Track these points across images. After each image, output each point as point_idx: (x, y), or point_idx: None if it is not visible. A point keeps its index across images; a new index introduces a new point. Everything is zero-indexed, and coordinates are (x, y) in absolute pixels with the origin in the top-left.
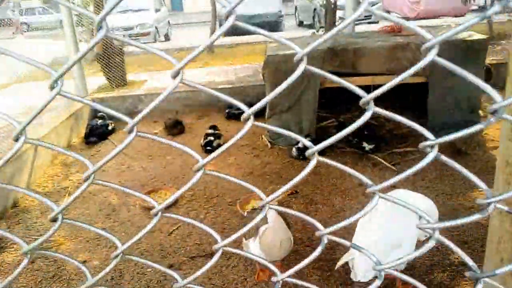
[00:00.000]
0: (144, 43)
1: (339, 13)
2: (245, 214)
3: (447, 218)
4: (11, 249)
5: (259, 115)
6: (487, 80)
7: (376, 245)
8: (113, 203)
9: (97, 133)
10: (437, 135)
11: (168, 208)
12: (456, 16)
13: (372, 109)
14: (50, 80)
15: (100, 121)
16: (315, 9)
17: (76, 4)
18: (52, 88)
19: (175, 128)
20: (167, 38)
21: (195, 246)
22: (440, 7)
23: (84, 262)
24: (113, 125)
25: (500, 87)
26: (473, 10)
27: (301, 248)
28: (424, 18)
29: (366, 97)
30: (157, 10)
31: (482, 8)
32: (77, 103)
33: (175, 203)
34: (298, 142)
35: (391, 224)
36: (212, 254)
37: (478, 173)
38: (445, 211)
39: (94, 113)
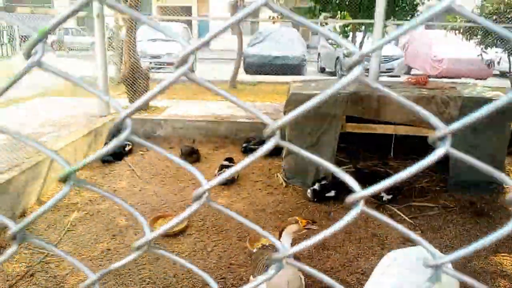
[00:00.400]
0: (170, 72)
1: None
2: (254, 251)
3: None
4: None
5: (276, 153)
6: (511, 143)
7: None
8: (120, 224)
9: (114, 153)
10: (458, 193)
11: (176, 235)
12: (478, 78)
13: (447, 148)
14: (26, 45)
15: None
16: (338, 57)
17: (109, 28)
18: (28, 56)
19: (191, 156)
20: (192, 70)
21: (201, 279)
22: (463, 68)
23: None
24: (130, 146)
25: None
26: (495, 75)
27: None
28: (445, 77)
29: (444, 129)
30: None
31: (503, 74)
32: (97, 121)
33: (183, 231)
34: (314, 183)
35: (407, 281)
36: None
37: (503, 238)
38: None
39: (114, 132)
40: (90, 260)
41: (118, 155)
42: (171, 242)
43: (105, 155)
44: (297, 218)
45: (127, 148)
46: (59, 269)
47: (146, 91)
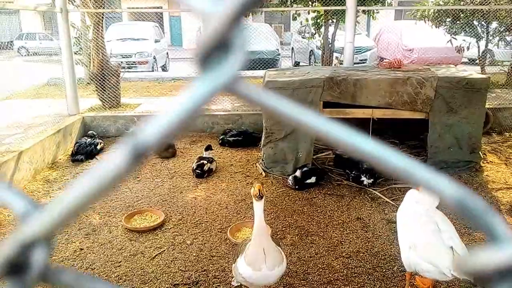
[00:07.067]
0: (142, 71)
1: (335, 55)
2: (236, 241)
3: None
4: None
5: (254, 143)
6: (486, 123)
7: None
8: (94, 223)
9: (85, 151)
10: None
11: (153, 230)
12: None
13: None
14: None
15: (89, 139)
16: (311, 51)
17: (76, 29)
18: None
19: (166, 151)
20: (164, 69)
21: (180, 273)
22: (433, 56)
23: None
24: (102, 144)
25: (497, 131)
26: (463, 63)
27: (296, 281)
28: None
29: None
30: (156, 41)
31: (472, 61)
32: (66, 120)
33: (161, 226)
34: (294, 171)
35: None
36: (197, 283)
37: None
38: None
39: (84, 131)
40: (62, 261)
41: (89, 153)
42: (148, 237)
43: (75, 154)
44: (258, 185)
45: (98, 147)
46: None
47: (117, 88)
